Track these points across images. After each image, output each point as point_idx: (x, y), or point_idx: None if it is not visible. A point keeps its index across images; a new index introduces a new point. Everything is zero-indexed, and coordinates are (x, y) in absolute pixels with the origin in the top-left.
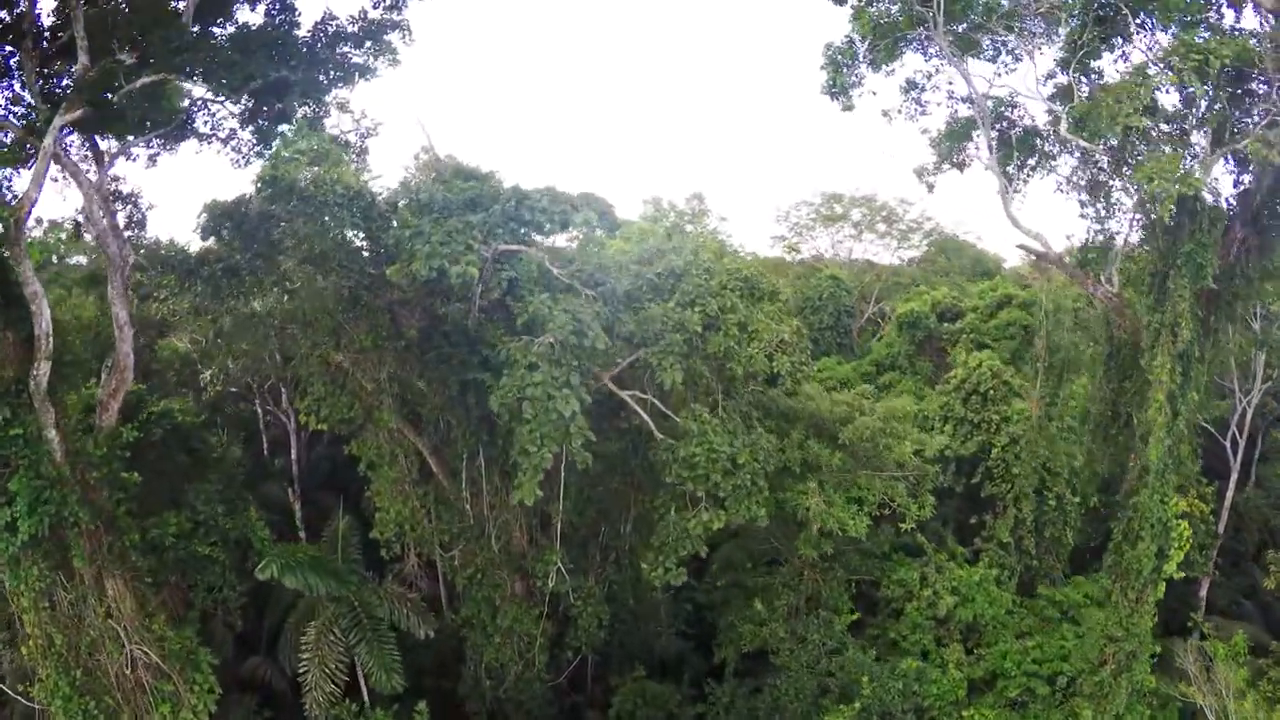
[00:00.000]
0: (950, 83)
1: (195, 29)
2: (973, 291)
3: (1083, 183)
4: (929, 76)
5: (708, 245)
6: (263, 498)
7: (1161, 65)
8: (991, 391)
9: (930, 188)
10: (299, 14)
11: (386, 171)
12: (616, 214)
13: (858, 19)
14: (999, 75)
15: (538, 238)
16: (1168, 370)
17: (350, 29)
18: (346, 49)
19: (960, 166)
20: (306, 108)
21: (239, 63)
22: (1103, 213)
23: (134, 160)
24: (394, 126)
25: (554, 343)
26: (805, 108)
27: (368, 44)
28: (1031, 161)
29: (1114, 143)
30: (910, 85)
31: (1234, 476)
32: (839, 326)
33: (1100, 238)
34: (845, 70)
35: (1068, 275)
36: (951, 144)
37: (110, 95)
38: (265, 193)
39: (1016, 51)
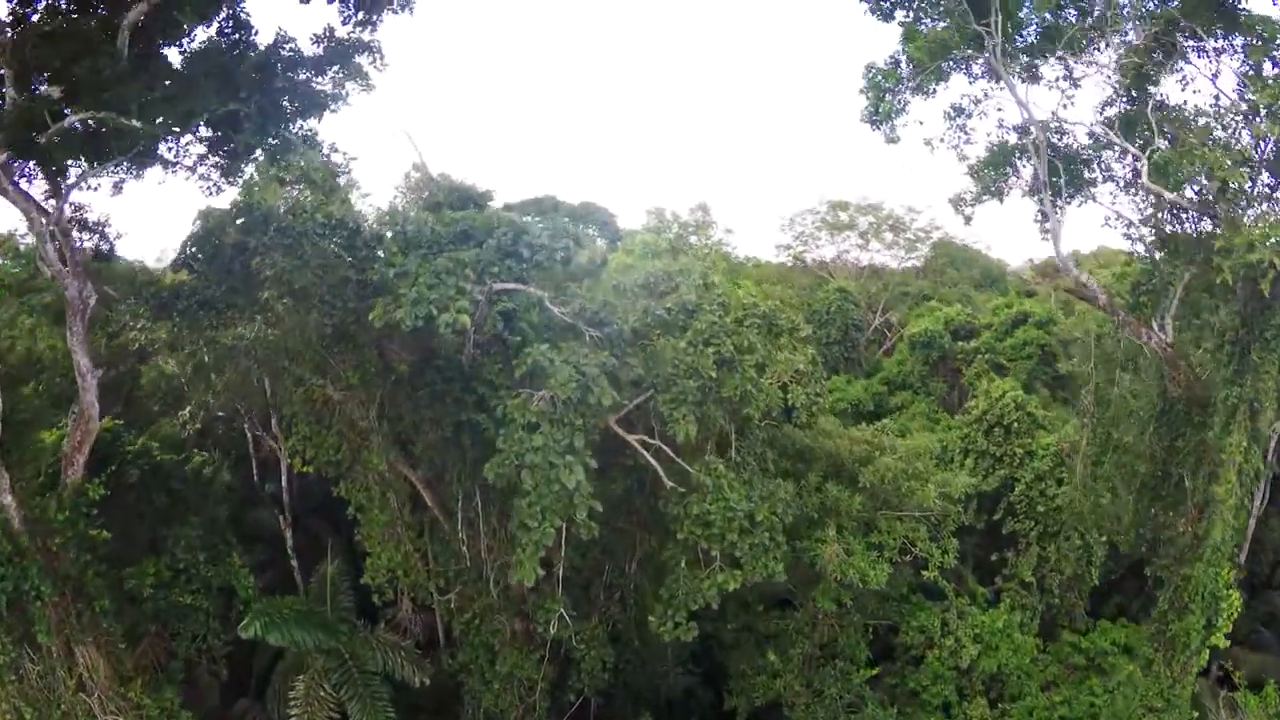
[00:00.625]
0: (1000, 109)
1: (134, 57)
2: (986, 307)
3: (1148, 227)
4: (977, 101)
5: (715, 262)
6: (253, 524)
7: (1249, 110)
8: (1015, 424)
9: (968, 219)
10: (255, 32)
11: (376, 189)
12: (618, 223)
13: (909, 39)
14: (1060, 101)
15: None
16: (1242, 449)
17: (311, 52)
18: (307, 75)
19: (1000, 196)
20: (268, 144)
21: (178, 97)
22: (1167, 260)
23: (95, 190)
24: (385, 137)
25: (555, 400)
26: (807, 109)
27: (333, 69)
28: (1072, 191)
29: (1194, 193)
30: (956, 111)
31: (1263, 505)
32: (847, 341)
33: (1154, 279)
34: (889, 96)
35: (1117, 320)
36: (995, 173)
37: (37, 134)
38: (239, 222)
39: (1073, 75)
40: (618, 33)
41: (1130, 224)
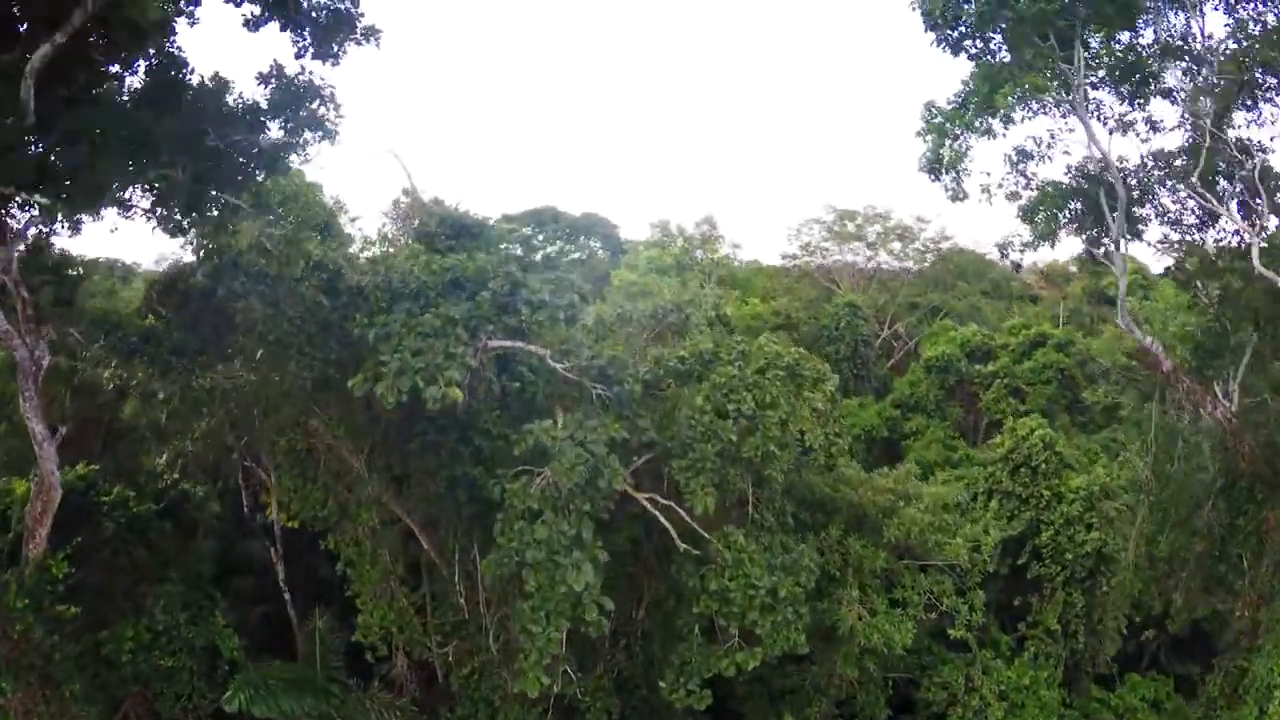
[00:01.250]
0: (1067, 151)
1: (41, 110)
2: (1002, 326)
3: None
4: (1043, 144)
5: (721, 278)
6: (243, 555)
7: None
8: (1043, 465)
9: (1017, 267)
10: (191, 71)
11: (365, 209)
12: (622, 234)
13: (983, 77)
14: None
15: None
16: None
17: (257, 96)
18: (254, 125)
19: (1053, 241)
20: (208, 212)
21: (86, 166)
22: (1234, 319)
23: (52, 234)
24: (375, 157)
25: (560, 486)
26: (811, 111)
27: (283, 118)
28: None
29: None
30: (1021, 155)
31: None
32: (856, 357)
33: (1219, 339)
34: (951, 141)
35: (1181, 389)
36: (1049, 216)
37: None
38: (206, 267)
39: (1151, 117)
40: (622, 38)
41: (1191, 276)
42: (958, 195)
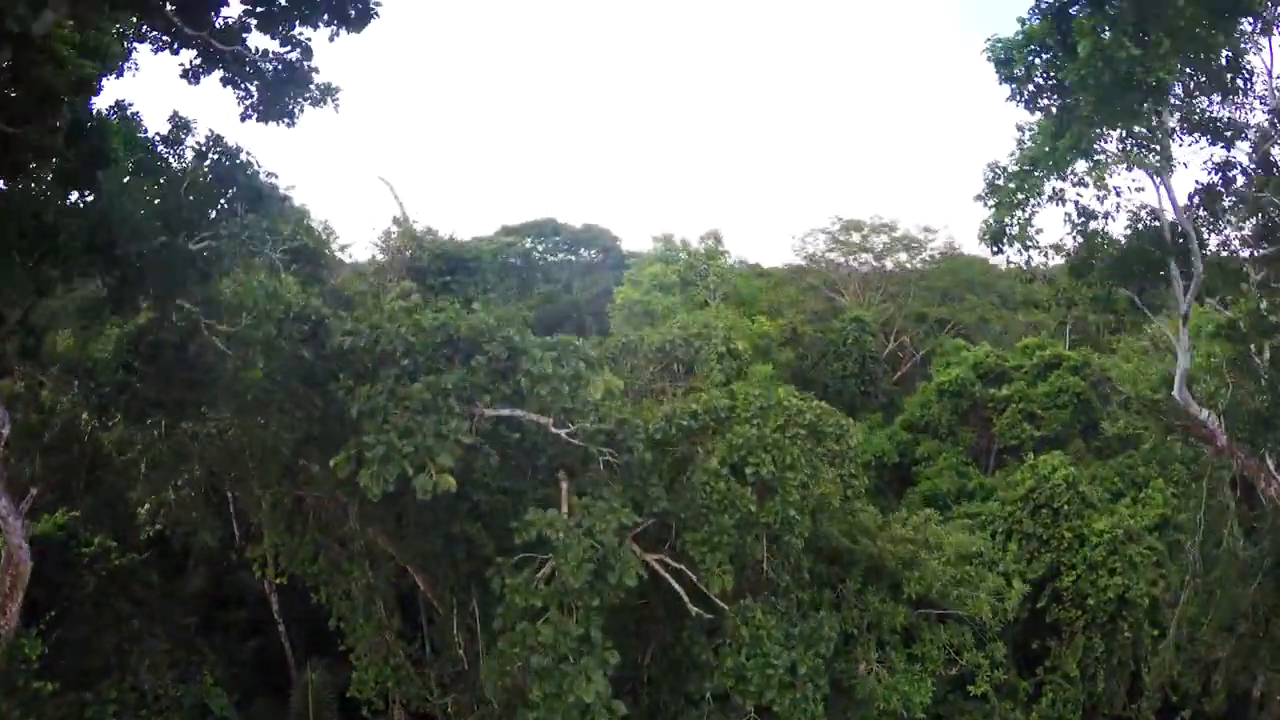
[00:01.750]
0: (1133, 210)
1: None
2: (1016, 346)
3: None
4: (1115, 206)
5: (726, 294)
6: (235, 586)
7: None
8: (1065, 506)
9: (1064, 323)
10: (111, 149)
11: (355, 237)
12: (623, 245)
13: (1053, 130)
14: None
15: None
16: None
17: (194, 171)
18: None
19: (1109, 306)
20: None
21: None
22: None
23: None
24: (364, 181)
25: (566, 584)
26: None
27: (227, 198)
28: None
29: None
30: (1084, 214)
31: None
32: (864, 374)
33: (1273, 406)
34: (1019, 210)
35: (1235, 465)
36: (1111, 276)
37: None
38: (171, 327)
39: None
40: (626, 48)
41: (1245, 336)
42: (1026, 276)
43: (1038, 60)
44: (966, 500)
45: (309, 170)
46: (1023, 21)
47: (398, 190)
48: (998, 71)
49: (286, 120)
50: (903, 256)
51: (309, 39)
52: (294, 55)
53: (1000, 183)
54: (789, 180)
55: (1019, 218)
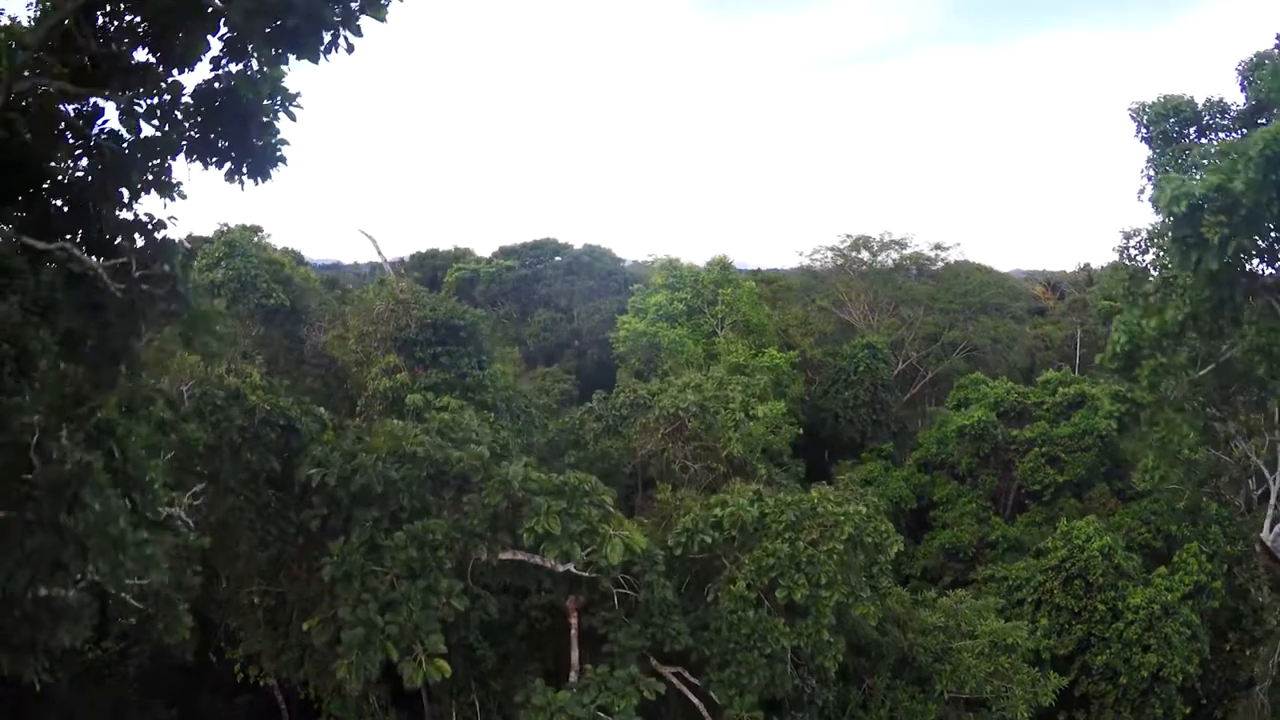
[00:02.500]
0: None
1: None
2: (1038, 382)
3: None
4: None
5: (734, 323)
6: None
7: None
8: (1100, 579)
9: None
10: None
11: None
12: (626, 265)
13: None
14: None
15: None
16: None
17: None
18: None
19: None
20: None
21: None
22: None
23: None
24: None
25: None
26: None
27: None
28: None
29: None
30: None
31: None
32: (876, 402)
33: None
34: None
35: None
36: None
37: None
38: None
39: None
40: (624, 56)
41: None
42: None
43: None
44: (990, 551)
45: (305, 194)
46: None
47: (380, 245)
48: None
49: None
50: (913, 271)
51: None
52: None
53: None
54: (790, 179)
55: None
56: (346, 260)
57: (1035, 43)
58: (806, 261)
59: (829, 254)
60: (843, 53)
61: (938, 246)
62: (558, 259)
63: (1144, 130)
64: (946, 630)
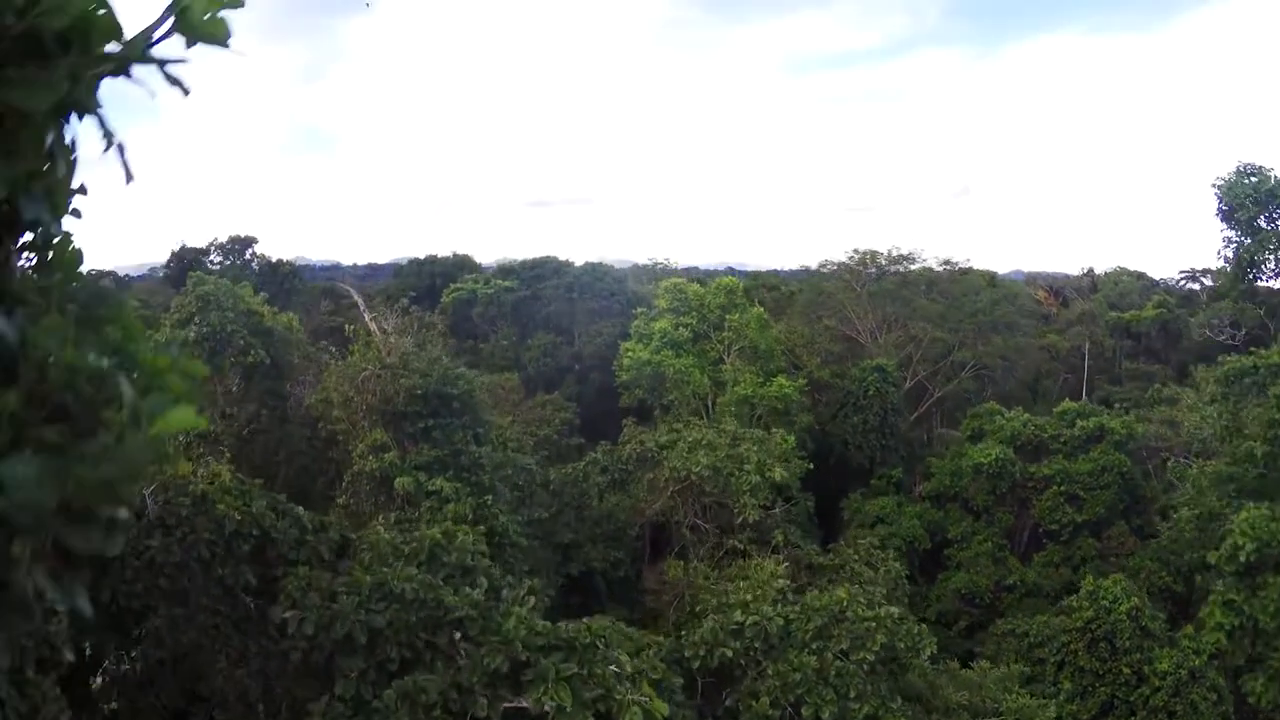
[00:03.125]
0: None
1: None
2: (1055, 413)
3: None
4: None
5: (741, 349)
6: None
7: None
8: (1127, 642)
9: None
10: None
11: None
12: (627, 270)
13: None
14: None
15: None
16: None
17: None
18: None
19: None
20: None
21: None
22: None
23: None
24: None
25: None
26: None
27: None
28: None
29: None
30: None
31: None
32: (885, 427)
33: None
34: None
35: None
36: None
37: None
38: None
39: None
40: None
41: None
42: None
43: None
44: (1007, 595)
45: (305, 194)
46: None
47: (361, 301)
48: None
49: None
50: (923, 286)
51: None
52: None
53: None
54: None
55: None
56: (346, 261)
57: (1031, 46)
58: (813, 266)
59: (836, 267)
60: (841, 53)
61: (947, 263)
62: (558, 280)
63: (1222, 208)
64: (971, 708)
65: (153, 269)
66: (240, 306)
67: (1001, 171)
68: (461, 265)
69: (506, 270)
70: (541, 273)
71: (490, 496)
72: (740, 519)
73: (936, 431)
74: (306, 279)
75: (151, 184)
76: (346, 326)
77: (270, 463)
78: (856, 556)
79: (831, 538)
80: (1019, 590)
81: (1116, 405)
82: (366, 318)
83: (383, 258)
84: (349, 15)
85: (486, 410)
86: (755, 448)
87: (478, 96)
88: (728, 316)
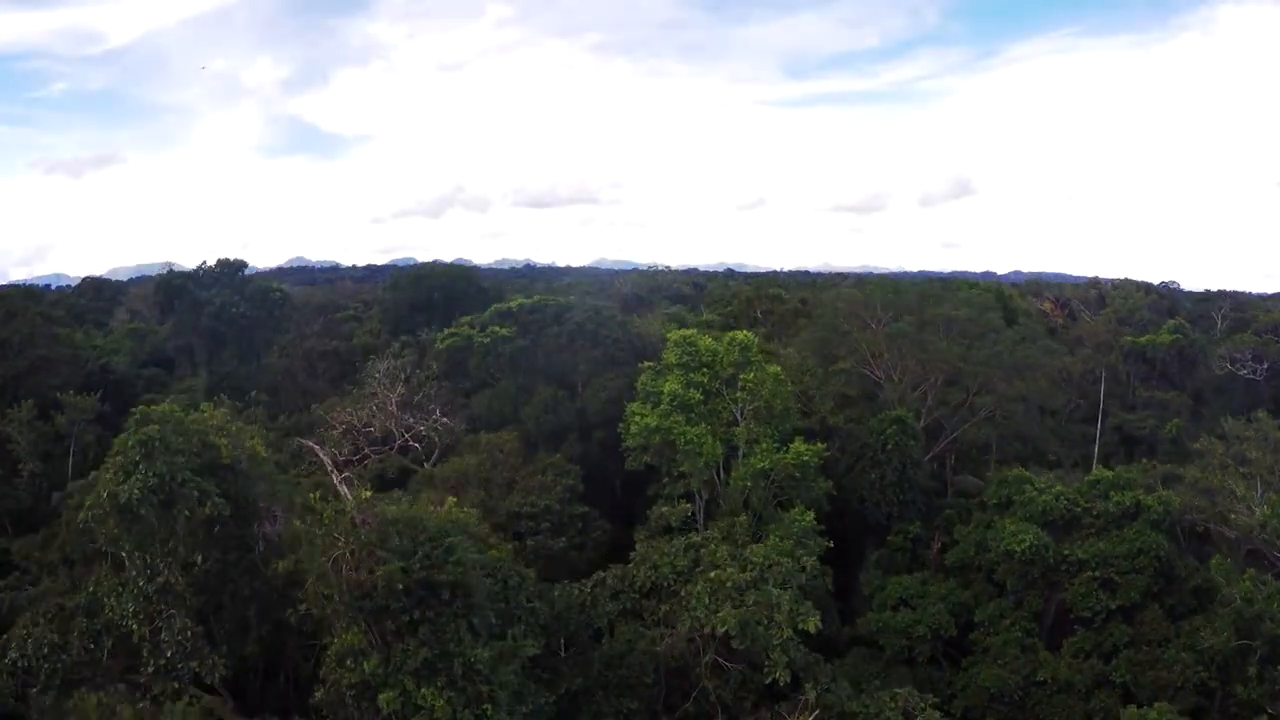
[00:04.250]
0: None
1: None
2: (1085, 481)
3: None
4: None
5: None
6: None
7: None
8: None
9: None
10: None
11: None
12: (630, 328)
13: None
14: None
15: None
16: None
17: None
18: None
19: None
20: None
21: None
22: None
23: None
24: None
25: None
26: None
27: None
28: None
29: None
30: None
31: None
32: (904, 481)
33: None
34: None
35: None
36: None
37: None
38: None
39: None
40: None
41: None
42: None
43: None
44: (1037, 691)
45: (305, 194)
46: None
47: (328, 461)
48: None
49: None
50: (940, 328)
51: None
52: None
53: None
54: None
55: None
56: (345, 262)
57: (1029, 46)
58: (811, 268)
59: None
60: (842, 53)
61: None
62: (559, 327)
63: None
64: None
65: (156, 268)
66: (193, 443)
67: (1001, 171)
68: (460, 275)
69: (503, 314)
70: (541, 318)
71: (489, 707)
72: (770, 680)
73: (954, 479)
74: (306, 279)
75: (152, 184)
76: (312, 495)
77: (241, 617)
78: (893, 706)
79: (849, 611)
80: (1050, 688)
81: (1138, 457)
82: (336, 480)
83: (382, 259)
84: (349, 15)
85: (483, 597)
86: (781, 587)
87: (478, 97)
88: (742, 375)
